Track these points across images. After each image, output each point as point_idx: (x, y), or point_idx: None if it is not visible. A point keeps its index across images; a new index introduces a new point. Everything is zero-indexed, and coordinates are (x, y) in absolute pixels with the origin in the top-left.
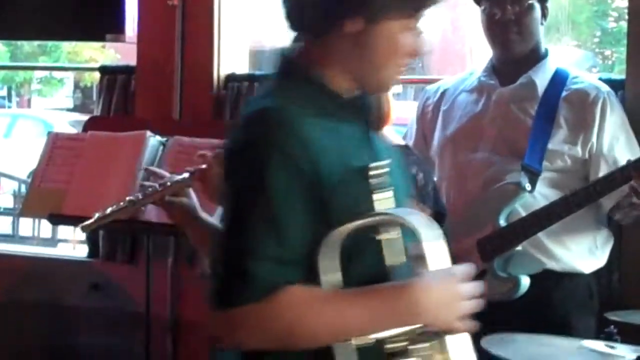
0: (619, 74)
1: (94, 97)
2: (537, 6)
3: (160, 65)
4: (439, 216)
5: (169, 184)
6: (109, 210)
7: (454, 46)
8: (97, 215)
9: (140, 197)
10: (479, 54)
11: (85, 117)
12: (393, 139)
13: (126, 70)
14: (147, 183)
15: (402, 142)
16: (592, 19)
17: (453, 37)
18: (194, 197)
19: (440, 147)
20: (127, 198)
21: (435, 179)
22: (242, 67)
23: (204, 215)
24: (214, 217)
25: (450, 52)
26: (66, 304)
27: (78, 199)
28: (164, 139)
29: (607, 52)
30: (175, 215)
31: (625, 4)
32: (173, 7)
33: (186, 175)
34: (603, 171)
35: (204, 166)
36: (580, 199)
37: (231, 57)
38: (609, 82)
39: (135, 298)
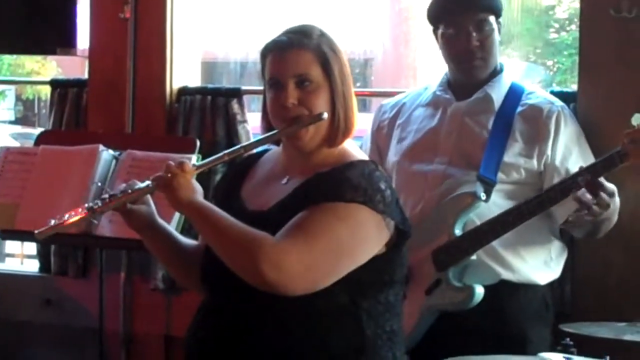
0: (559, 84)
1: (36, 110)
2: (496, 26)
3: (112, 79)
4: (403, 233)
5: (129, 191)
6: (66, 216)
7: (406, 59)
8: (53, 221)
9: (100, 204)
10: (431, 66)
11: (27, 130)
12: (358, 153)
13: (78, 83)
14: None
15: (367, 158)
16: (534, 30)
17: (405, 50)
18: (152, 204)
19: (396, 161)
20: (86, 205)
21: None
22: (194, 80)
23: (161, 221)
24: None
25: (402, 65)
26: (18, 319)
27: (31, 213)
28: (117, 152)
29: (549, 63)
30: (133, 222)
31: (566, 15)
32: (125, 20)
33: (149, 182)
34: (555, 182)
35: (169, 174)
36: (534, 206)
37: (184, 70)
38: (561, 94)
39: (88, 312)
